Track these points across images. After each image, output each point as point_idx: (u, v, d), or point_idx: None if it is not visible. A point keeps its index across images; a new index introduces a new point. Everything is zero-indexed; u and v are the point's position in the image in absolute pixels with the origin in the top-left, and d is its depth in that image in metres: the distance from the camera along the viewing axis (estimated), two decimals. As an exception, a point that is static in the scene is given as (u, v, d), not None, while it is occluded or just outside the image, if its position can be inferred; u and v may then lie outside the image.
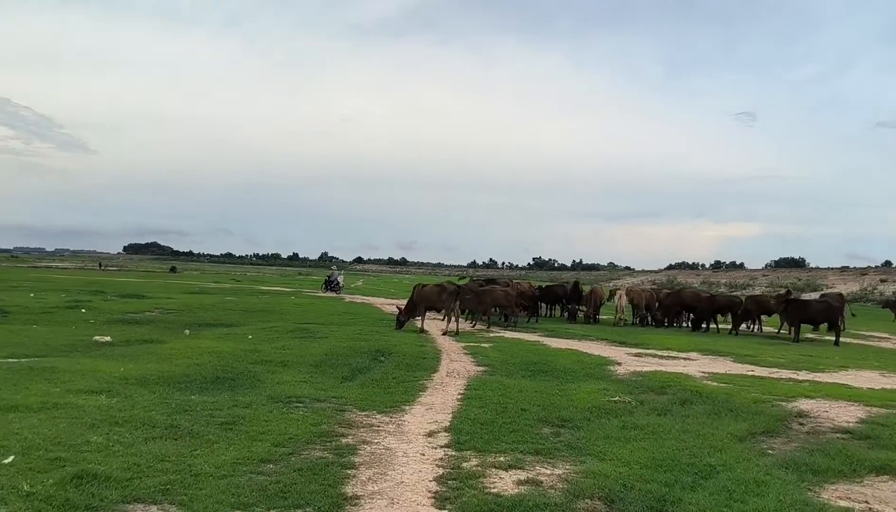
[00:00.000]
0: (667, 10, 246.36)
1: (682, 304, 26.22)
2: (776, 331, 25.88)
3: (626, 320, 26.13)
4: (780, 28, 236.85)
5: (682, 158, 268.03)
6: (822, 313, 23.15)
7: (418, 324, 20.83)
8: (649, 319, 26.74)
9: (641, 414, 9.50)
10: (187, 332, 18.82)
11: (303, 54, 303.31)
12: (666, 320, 26.58)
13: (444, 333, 19.95)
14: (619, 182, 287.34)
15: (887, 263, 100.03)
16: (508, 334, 20.85)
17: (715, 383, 12.07)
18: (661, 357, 16.16)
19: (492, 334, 20.63)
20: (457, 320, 20.71)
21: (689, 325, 26.09)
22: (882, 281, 78.39)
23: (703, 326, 25.23)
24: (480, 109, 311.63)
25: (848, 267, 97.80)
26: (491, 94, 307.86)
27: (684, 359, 16.00)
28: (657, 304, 26.90)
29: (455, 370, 13.13)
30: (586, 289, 28.99)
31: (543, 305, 29.67)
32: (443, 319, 22.20)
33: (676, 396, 10.72)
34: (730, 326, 25.10)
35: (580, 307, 26.76)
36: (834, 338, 22.01)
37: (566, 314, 27.66)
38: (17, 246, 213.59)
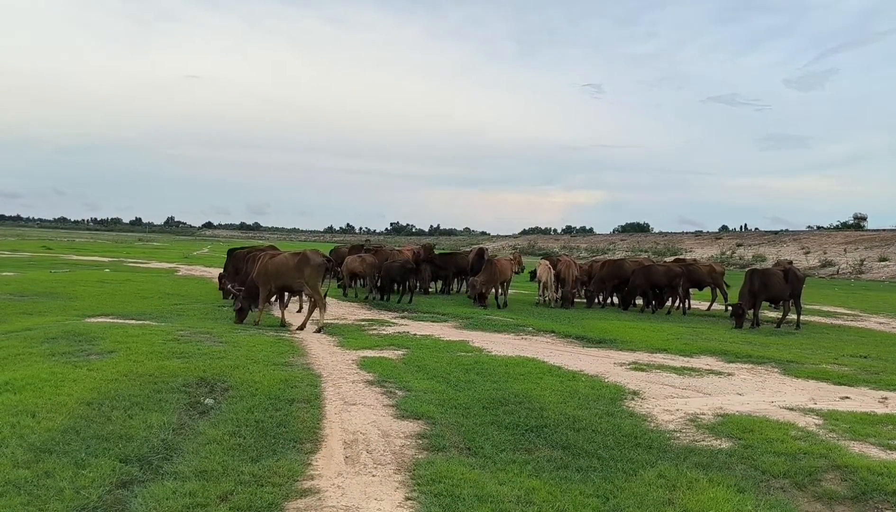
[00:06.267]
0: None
1: (623, 277, 20.48)
2: (707, 308, 20.98)
3: (555, 299, 20.07)
4: (622, 6, 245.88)
5: (533, 127, 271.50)
6: (787, 288, 18.14)
7: (276, 313, 13.78)
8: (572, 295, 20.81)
9: None
10: None
11: (148, 7, 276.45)
12: (600, 298, 20.86)
13: (318, 330, 12.99)
14: (472, 149, 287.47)
15: (723, 228, 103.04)
16: (414, 327, 14.15)
17: (869, 447, 6.32)
18: (675, 370, 10.13)
19: (389, 329, 13.84)
20: (322, 308, 13.64)
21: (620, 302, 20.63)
22: (738, 245, 78.72)
23: (651, 302, 19.75)
24: (336, 74, 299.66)
25: (702, 231, 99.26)
26: (347, 60, 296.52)
27: (711, 373, 10.06)
28: (589, 276, 21.15)
29: (361, 437, 6.35)
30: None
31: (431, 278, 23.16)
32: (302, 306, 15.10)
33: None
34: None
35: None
36: (780, 319, 17.48)
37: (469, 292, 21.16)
38: None
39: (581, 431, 6.60)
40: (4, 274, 24.13)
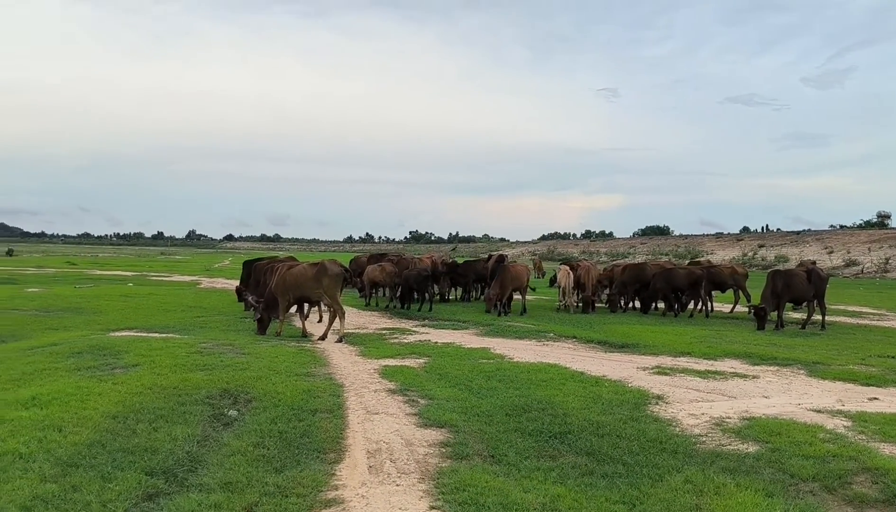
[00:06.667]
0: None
1: (644, 280, 20.33)
2: (730, 310, 20.72)
3: (575, 304, 20.02)
4: (635, 10, 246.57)
5: (549, 133, 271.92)
6: (810, 289, 17.89)
7: (297, 324, 13.82)
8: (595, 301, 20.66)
9: None
10: None
11: (163, 23, 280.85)
12: (622, 302, 20.72)
13: (339, 340, 13.02)
14: (490, 156, 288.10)
15: (745, 230, 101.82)
16: (435, 335, 14.15)
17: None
18: (699, 374, 10.03)
19: (410, 337, 13.85)
20: (342, 317, 13.60)
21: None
22: (760, 246, 77.80)
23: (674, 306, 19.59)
24: (350, 84, 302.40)
25: (722, 233, 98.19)
26: (360, 69, 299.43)
27: (736, 375, 9.94)
28: (610, 281, 21.05)
29: (384, 446, 6.35)
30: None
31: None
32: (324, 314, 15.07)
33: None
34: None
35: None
36: (805, 320, 17.10)
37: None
38: None
39: (605, 437, 6.55)
40: (30, 290, 24.50)
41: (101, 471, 5.38)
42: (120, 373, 9.08)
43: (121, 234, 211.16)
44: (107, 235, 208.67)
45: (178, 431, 6.44)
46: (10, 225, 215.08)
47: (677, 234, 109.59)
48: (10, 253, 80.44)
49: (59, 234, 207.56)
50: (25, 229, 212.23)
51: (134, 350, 10.82)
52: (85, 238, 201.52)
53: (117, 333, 13.34)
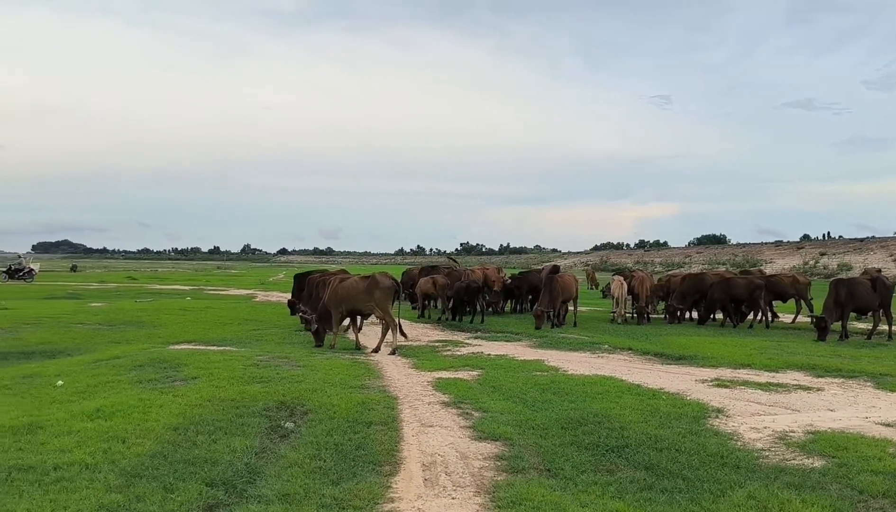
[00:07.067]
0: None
1: (704, 291, 19.87)
2: (791, 320, 20.09)
3: (626, 316, 19.74)
4: (690, 14, 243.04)
5: (601, 141, 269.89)
6: (875, 298, 17.23)
7: (349, 336, 13.93)
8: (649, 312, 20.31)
9: None
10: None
11: (218, 42, 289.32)
12: (679, 313, 20.30)
13: (392, 352, 13.07)
14: (541, 167, 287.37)
15: (805, 237, 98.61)
16: (487, 347, 14.11)
17: None
18: (761, 386, 9.76)
19: (463, 349, 13.83)
20: (394, 330, 13.66)
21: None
22: (822, 254, 75.47)
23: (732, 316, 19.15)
24: (402, 97, 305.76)
25: (782, 241, 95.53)
26: (412, 83, 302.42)
27: (799, 388, 9.65)
28: (666, 291, 20.68)
29: (439, 459, 6.33)
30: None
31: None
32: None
33: None
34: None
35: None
36: (871, 330, 16.62)
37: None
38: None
39: (664, 451, 6.42)
40: (94, 305, 25.29)
41: (164, 482, 5.49)
42: (180, 385, 9.28)
43: (178, 248, 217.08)
44: (165, 250, 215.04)
45: (236, 443, 6.54)
46: (74, 241, 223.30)
47: (734, 242, 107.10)
48: (73, 269, 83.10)
49: (120, 249, 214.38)
50: (88, 245, 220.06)
51: (193, 363, 11.05)
52: (144, 253, 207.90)
53: (176, 347, 13.65)
